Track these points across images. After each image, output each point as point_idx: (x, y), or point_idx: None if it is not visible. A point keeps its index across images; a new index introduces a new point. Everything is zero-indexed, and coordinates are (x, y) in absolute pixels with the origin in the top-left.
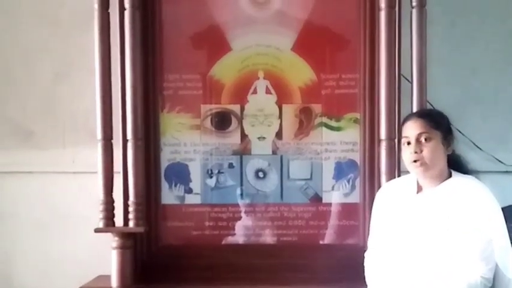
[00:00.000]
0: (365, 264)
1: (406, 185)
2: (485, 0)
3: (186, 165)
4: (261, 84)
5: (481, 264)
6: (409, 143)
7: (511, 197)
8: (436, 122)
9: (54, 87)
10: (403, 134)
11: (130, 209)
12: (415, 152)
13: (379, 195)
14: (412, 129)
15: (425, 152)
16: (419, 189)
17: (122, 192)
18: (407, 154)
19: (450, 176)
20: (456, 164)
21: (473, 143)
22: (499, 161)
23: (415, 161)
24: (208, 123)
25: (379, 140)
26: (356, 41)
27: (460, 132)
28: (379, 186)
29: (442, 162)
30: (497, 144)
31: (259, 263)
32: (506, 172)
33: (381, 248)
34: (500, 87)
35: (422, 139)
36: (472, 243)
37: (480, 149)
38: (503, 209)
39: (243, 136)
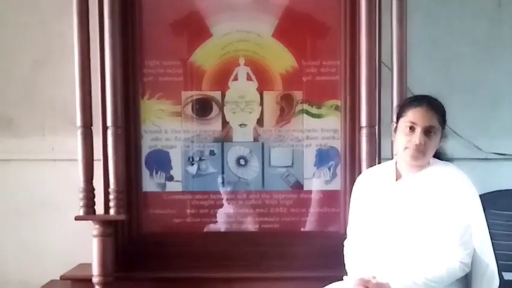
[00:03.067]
0: (344, 251)
1: (385, 172)
2: None
3: (167, 153)
4: (242, 70)
5: (459, 250)
6: (411, 128)
7: (489, 184)
8: (444, 118)
9: (33, 74)
10: (409, 119)
11: (111, 196)
12: (420, 144)
13: (358, 183)
14: (422, 119)
15: (428, 145)
16: (399, 176)
17: (103, 179)
18: (405, 139)
19: (429, 163)
20: (436, 155)
21: (452, 130)
22: (478, 148)
23: (413, 149)
24: (189, 110)
25: (360, 127)
26: (337, 28)
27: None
28: (360, 174)
29: (431, 155)
30: (477, 131)
31: (240, 251)
32: (485, 159)
33: (360, 235)
34: (480, 75)
35: (430, 132)
36: (450, 229)
37: (460, 136)
38: (481, 195)
39: (224, 123)
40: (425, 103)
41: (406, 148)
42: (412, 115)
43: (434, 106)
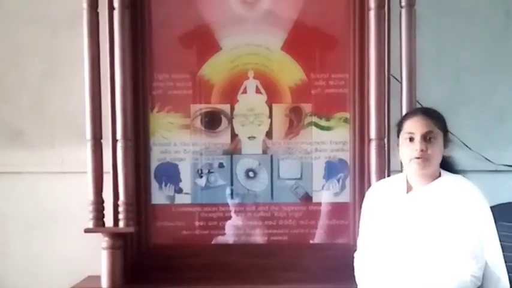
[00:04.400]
0: (355, 264)
1: (396, 184)
2: (473, 0)
3: (176, 165)
4: (251, 83)
5: (471, 263)
6: (411, 139)
7: (499, 196)
8: (440, 121)
9: (43, 86)
10: (407, 130)
11: (120, 209)
12: (421, 150)
13: (368, 195)
14: (418, 127)
15: (430, 151)
16: (409, 188)
17: (112, 192)
18: (408, 150)
19: (440, 175)
20: (446, 164)
21: (462, 142)
22: (488, 160)
23: (417, 158)
24: (198, 122)
25: (369, 140)
26: (345, 41)
27: (448, 131)
28: (369, 186)
29: (439, 162)
30: (486, 143)
31: (249, 263)
32: (495, 171)
33: (371, 248)
34: (489, 86)
35: (428, 138)
36: (462, 242)
37: (469, 148)
38: (492, 207)
39: (233, 136)
40: (419, 112)
41: (410, 159)
42: (409, 126)
43: (428, 113)
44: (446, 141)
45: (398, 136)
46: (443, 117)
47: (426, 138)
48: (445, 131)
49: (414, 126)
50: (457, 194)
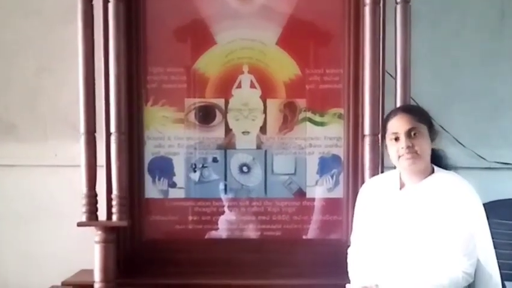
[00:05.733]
0: (348, 260)
1: (389, 181)
2: None
3: (170, 159)
4: (246, 78)
5: (463, 260)
6: (396, 139)
7: (492, 193)
8: (422, 116)
9: (36, 80)
10: (391, 130)
11: (114, 203)
12: (408, 147)
13: (362, 192)
14: (400, 125)
15: (417, 147)
16: (402, 185)
17: (105, 186)
18: (394, 150)
19: (433, 171)
20: (438, 160)
21: (455, 139)
22: (481, 157)
23: (406, 154)
24: (192, 117)
25: (363, 136)
26: (340, 36)
27: (442, 128)
28: (363, 182)
29: (428, 157)
30: (480, 140)
31: (242, 258)
32: (488, 168)
33: (364, 244)
34: (483, 84)
35: (413, 134)
36: (454, 239)
37: (462, 145)
38: (485, 205)
39: (227, 130)
40: (399, 111)
41: (399, 157)
42: (392, 126)
43: (408, 110)
44: (433, 134)
45: (384, 138)
46: (425, 111)
47: (410, 134)
48: (429, 124)
49: (397, 125)
50: (450, 191)
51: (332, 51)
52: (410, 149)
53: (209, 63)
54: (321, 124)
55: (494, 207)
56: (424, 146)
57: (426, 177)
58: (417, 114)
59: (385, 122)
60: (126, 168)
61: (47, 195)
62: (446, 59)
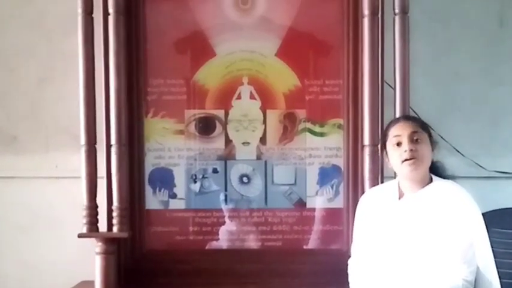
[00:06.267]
0: (349, 270)
1: (388, 190)
2: (467, 8)
3: (171, 170)
4: (245, 89)
5: (462, 267)
6: (398, 144)
7: (492, 202)
8: (423, 124)
9: (37, 92)
10: (393, 134)
11: (114, 214)
12: (411, 150)
13: (361, 202)
14: (403, 129)
15: (420, 151)
16: (401, 194)
17: (106, 197)
18: (397, 155)
19: (431, 181)
20: (436, 171)
21: (455, 148)
22: (481, 166)
23: (408, 159)
24: (192, 128)
25: (363, 146)
26: (339, 47)
27: (441, 137)
28: (363, 192)
29: (429, 164)
30: (479, 149)
31: (243, 268)
32: (488, 177)
33: (364, 255)
34: (482, 93)
35: (415, 139)
36: (453, 247)
37: (462, 154)
38: (484, 214)
39: (228, 141)
40: (401, 118)
41: (402, 162)
42: (394, 130)
43: (410, 118)
44: (432, 143)
45: (384, 148)
46: (423, 121)
47: (413, 139)
48: (429, 133)
49: (400, 129)
50: (448, 200)
51: (331, 62)
52: (413, 152)
53: (209, 75)
54: (321, 134)
55: (494, 216)
56: (426, 152)
57: (425, 186)
58: (419, 122)
59: (386, 129)
60: (127, 180)
61: (47, 207)
62: (445, 69)
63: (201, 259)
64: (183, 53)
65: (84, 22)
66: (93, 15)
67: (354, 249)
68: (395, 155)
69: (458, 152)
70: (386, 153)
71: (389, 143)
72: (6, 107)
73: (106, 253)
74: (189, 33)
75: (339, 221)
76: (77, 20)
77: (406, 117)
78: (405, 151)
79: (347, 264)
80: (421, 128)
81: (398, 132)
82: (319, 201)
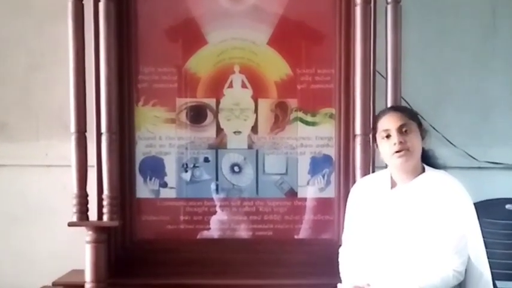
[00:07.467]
0: (339, 259)
1: (380, 180)
2: None
3: (161, 159)
4: (237, 78)
5: (454, 258)
6: (387, 136)
7: (484, 193)
8: (412, 114)
9: (27, 79)
10: (382, 128)
11: (105, 203)
12: (400, 142)
13: (353, 191)
14: (391, 122)
15: (409, 143)
16: (394, 184)
17: (96, 186)
18: (386, 147)
19: (423, 170)
20: (428, 159)
21: (446, 139)
22: (472, 157)
23: (398, 152)
24: (183, 116)
25: (354, 135)
26: (331, 36)
27: (433, 128)
28: (354, 181)
29: (419, 154)
30: (470, 140)
31: (234, 258)
32: (479, 168)
33: (355, 244)
34: (474, 84)
35: (404, 130)
36: (445, 237)
37: (453, 145)
38: (476, 204)
39: (219, 130)
40: (389, 110)
41: (392, 154)
42: (383, 123)
43: (397, 108)
44: (422, 132)
45: (375, 139)
46: (412, 110)
47: (402, 130)
48: (419, 122)
49: (388, 122)
50: (441, 190)
51: (323, 51)
52: (403, 144)
53: (200, 63)
54: (312, 124)
55: (486, 206)
56: (416, 143)
57: (417, 176)
58: (407, 112)
59: (374, 121)
60: (117, 168)
61: (38, 195)
62: (437, 59)
63: (192, 248)
64: (174, 40)
65: (75, 9)
66: (83, 2)
67: (345, 238)
68: (386, 147)
69: (450, 142)
70: (377, 145)
71: (379, 136)
72: None
73: (96, 242)
74: (181, 20)
75: (330, 211)
76: (67, 7)
77: (394, 108)
78: (394, 144)
79: (338, 253)
80: (409, 118)
81: (387, 126)
82: (310, 191)
